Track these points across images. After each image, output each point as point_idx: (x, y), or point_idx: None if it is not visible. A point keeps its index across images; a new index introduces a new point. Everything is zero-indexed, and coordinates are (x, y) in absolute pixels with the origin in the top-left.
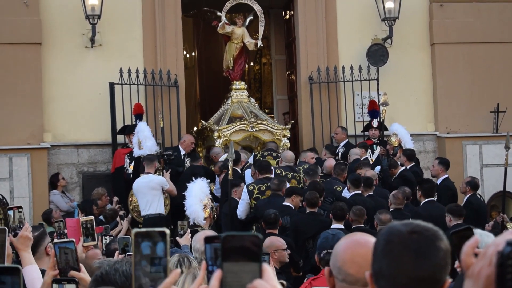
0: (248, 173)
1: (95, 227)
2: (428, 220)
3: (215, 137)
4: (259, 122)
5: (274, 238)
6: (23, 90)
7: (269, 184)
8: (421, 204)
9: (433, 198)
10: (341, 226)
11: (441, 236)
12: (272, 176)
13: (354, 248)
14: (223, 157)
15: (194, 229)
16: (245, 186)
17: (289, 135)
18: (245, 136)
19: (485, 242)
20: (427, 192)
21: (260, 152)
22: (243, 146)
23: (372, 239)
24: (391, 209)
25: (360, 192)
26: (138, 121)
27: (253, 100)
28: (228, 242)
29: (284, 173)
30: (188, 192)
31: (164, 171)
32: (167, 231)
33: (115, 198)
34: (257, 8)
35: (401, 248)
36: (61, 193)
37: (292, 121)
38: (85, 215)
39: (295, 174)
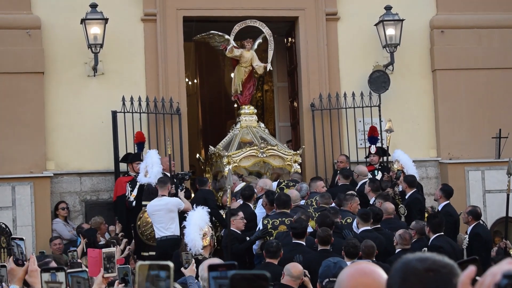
0: (260, 203)
1: (116, 258)
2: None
3: (224, 163)
4: (269, 147)
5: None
6: (25, 119)
7: (284, 219)
8: (430, 240)
9: (441, 233)
10: None
11: (457, 272)
12: (288, 212)
13: (358, 277)
14: (239, 187)
15: (195, 256)
16: (260, 220)
17: (300, 160)
18: (255, 162)
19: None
20: (435, 228)
21: (285, 182)
22: (251, 171)
23: (377, 269)
24: (397, 250)
25: (369, 228)
26: (139, 149)
27: (262, 125)
28: (236, 280)
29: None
30: (188, 221)
31: (179, 190)
32: (171, 264)
33: (119, 226)
34: (266, 31)
35: (418, 287)
36: (64, 222)
37: (303, 146)
38: (88, 242)
39: (305, 210)
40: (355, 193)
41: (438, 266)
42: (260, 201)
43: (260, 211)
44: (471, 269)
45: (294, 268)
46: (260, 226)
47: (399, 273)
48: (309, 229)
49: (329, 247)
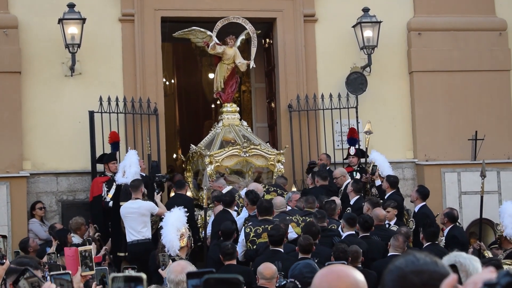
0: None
1: (93, 256)
2: None
3: (206, 163)
4: (252, 147)
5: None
6: (2, 118)
7: (267, 226)
8: (423, 248)
9: (436, 242)
10: None
11: None
12: (271, 218)
13: (332, 279)
14: (226, 189)
15: (172, 257)
16: (242, 228)
17: (283, 160)
18: (237, 162)
19: (473, 266)
20: (429, 237)
21: (266, 187)
22: (234, 170)
23: (351, 271)
24: (389, 254)
25: (354, 232)
26: (114, 149)
27: (245, 123)
28: (209, 284)
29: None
30: (165, 221)
31: (155, 193)
32: (144, 276)
33: (94, 225)
34: (249, 27)
35: None
36: (40, 222)
37: (287, 146)
38: (59, 243)
39: (292, 217)
40: (334, 201)
41: (435, 280)
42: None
43: (247, 215)
44: (453, 277)
45: (266, 271)
46: (242, 234)
47: None
48: (294, 235)
49: (310, 256)
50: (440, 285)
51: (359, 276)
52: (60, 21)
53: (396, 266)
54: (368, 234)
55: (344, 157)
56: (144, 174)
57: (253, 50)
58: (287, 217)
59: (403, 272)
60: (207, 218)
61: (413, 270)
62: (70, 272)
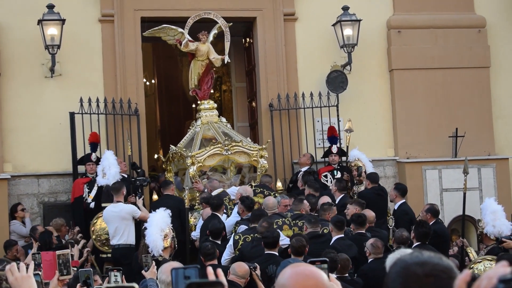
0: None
1: (71, 260)
2: None
3: (188, 164)
4: (234, 144)
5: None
6: None
7: (256, 235)
8: (412, 247)
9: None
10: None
11: (456, 275)
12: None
13: (302, 280)
14: (216, 191)
15: (155, 258)
16: (232, 235)
17: (266, 155)
18: (220, 160)
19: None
20: (419, 237)
21: (253, 187)
22: (215, 167)
23: (318, 271)
24: (369, 260)
25: (343, 235)
26: (92, 150)
27: (224, 119)
28: None
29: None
30: (149, 222)
31: (137, 197)
32: (136, 286)
33: (77, 228)
34: (221, 21)
35: None
36: (21, 224)
37: (269, 141)
38: (43, 245)
39: (284, 219)
40: (333, 203)
41: (438, 271)
42: (236, 207)
43: (237, 218)
44: (467, 273)
45: (239, 268)
46: (231, 240)
47: (400, 279)
48: (286, 241)
49: (302, 258)
50: (444, 277)
51: (323, 274)
52: (40, 22)
53: (401, 260)
54: (364, 231)
55: (322, 156)
56: (125, 175)
57: (227, 45)
58: (280, 219)
59: (407, 263)
60: (195, 220)
61: (416, 262)
62: (39, 272)
